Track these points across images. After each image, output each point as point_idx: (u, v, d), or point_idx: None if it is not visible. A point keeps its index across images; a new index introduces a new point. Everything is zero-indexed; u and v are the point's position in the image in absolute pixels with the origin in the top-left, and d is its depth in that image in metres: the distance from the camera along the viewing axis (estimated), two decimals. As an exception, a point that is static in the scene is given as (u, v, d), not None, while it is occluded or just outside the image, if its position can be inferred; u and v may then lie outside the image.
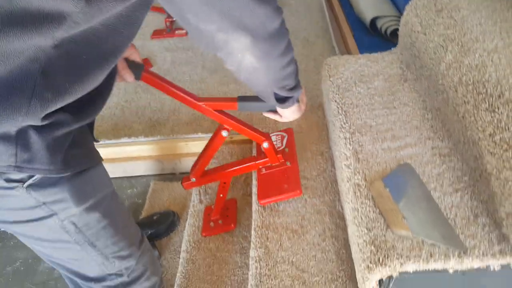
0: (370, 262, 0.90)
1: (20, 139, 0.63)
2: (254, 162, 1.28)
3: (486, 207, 0.94)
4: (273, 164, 1.29)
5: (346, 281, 1.06)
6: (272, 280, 1.07)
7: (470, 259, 0.86)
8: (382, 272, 0.88)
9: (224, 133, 1.17)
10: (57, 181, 0.71)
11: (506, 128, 0.88)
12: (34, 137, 0.64)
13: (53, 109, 0.63)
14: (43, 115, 0.62)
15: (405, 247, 0.89)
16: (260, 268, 1.10)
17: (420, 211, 0.95)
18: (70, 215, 0.75)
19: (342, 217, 1.21)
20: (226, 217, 1.47)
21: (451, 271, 0.88)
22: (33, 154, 0.65)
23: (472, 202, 0.96)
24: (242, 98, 1.11)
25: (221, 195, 1.37)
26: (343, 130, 1.18)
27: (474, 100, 0.97)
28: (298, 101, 1.01)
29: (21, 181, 0.68)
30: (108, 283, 0.88)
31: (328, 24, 2.33)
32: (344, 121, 1.20)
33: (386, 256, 0.88)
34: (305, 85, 1.89)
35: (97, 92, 0.72)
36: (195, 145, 1.80)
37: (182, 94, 1.10)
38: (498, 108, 0.91)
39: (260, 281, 1.08)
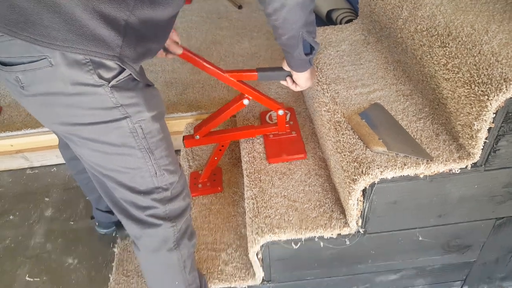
0: (355, 175, 1.06)
1: (126, 34, 0.75)
2: (262, 128, 1.42)
3: (445, 128, 1.13)
4: (281, 132, 1.43)
5: (331, 206, 1.21)
6: (268, 210, 1.20)
7: (436, 165, 1.04)
8: (366, 181, 1.04)
9: (245, 102, 1.32)
10: (134, 86, 0.83)
11: (456, 56, 1.07)
12: (133, 40, 0.77)
13: (144, 10, 0.77)
14: (139, 15, 0.76)
15: (383, 160, 1.06)
16: (257, 203, 1.23)
17: (392, 133, 1.13)
18: (141, 119, 0.86)
19: (322, 160, 1.36)
20: (213, 181, 1.59)
21: (421, 176, 1.05)
22: (132, 53, 0.78)
23: (433, 125, 1.15)
24: (261, 69, 1.27)
25: (215, 158, 1.49)
26: (320, 83, 1.35)
27: (428, 41, 1.17)
28: (311, 63, 1.16)
29: (107, 80, 0.78)
30: (155, 196, 0.97)
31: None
32: (320, 76, 1.37)
33: (368, 167, 1.04)
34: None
35: (162, 29, 0.86)
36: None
37: (211, 67, 1.26)
38: (448, 44, 1.11)
39: (258, 212, 1.20)
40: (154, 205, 0.98)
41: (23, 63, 0.76)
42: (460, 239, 1.22)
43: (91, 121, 0.83)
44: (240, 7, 2.72)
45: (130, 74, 0.81)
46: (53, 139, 1.83)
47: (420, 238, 1.20)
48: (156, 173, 0.94)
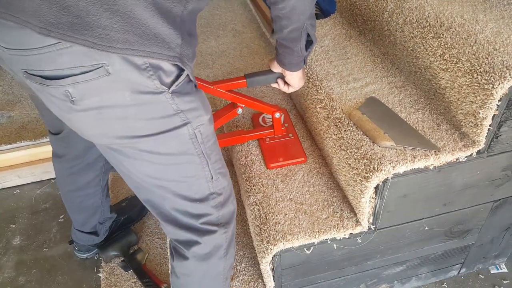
0: (366, 172, 1.04)
1: (181, 32, 0.70)
2: (259, 132, 1.36)
3: (445, 117, 1.14)
4: (277, 136, 1.38)
5: (340, 204, 1.19)
6: (276, 215, 1.16)
7: (444, 155, 1.05)
8: (379, 177, 1.02)
9: (239, 111, 1.27)
10: (190, 89, 0.79)
11: (452, 47, 1.08)
12: (187, 37, 0.72)
13: (193, 3, 0.72)
14: (189, 8, 0.71)
15: (393, 154, 1.05)
16: (263, 209, 1.18)
17: (395, 126, 1.12)
18: (200, 123, 0.81)
19: (322, 157, 1.34)
20: None
21: (431, 167, 1.05)
22: (189, 51, 0.73)
23: (432, 115, 1.16)
24: (249, 75, 1.21)
25: None
26: (311, 79, 1.32)
27: (420, 33, 1.17)
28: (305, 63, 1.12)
29: (167, 86, 0.73)
30: (210, 202, 0.93)
31: (253, 15, 2.51)
32: (310, 72, 1.34)
33: (380, 163, 1.03)
34: (244, 69, 2.01)
35: (195, 23, 0.80)
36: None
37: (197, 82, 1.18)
38: (442, 34, 1.11)
39: (266, 219, 1.15)
40: (209, 212, 0.94)
41: (74, 75, 0.67)
42: (462, 224, 1.25)
43: (150, 132, 0.77)
44: (199, 4, 2.63)
45: (187, 75, 0.75)
46: (14, 157, 1.66)
47: (426, 228, 1.21)
48: (212, 178, 0.90)
